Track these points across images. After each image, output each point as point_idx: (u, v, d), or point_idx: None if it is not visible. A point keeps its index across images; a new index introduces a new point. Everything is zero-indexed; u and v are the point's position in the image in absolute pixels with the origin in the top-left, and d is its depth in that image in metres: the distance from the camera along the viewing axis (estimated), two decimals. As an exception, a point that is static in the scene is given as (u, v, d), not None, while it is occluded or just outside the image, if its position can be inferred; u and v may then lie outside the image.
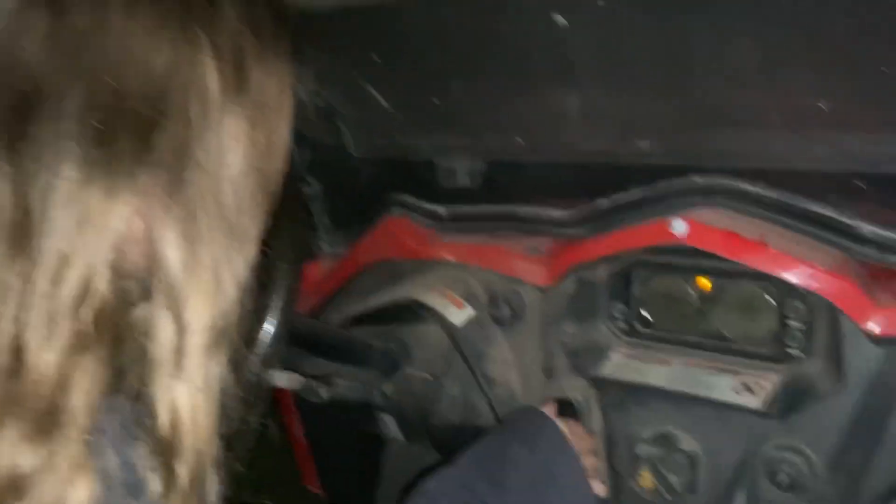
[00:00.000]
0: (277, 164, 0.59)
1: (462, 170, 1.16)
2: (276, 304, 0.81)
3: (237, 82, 0.54)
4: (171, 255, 0.51)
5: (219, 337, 0.53)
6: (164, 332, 0.51)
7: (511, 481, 0.84)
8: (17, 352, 0.47)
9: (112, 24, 0.50)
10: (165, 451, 0.51)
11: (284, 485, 1.71)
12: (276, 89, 0.58)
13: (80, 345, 0.48)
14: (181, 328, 0.51)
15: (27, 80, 0.49)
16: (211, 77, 0.52)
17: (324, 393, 1.03)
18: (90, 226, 0.48)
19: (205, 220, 0.52)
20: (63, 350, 0.47)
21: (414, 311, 1.14)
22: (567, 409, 0.99)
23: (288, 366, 1.02)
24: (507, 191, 1.15)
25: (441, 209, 1.21)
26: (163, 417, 0.51)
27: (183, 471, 0.51)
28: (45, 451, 0.46)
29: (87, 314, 0.48)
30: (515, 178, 1.14)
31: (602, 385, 0.98)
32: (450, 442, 1.18)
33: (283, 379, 0.98)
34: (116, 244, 0.49)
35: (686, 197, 0.97)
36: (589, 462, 0.93)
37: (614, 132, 0.99)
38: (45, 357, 0.47)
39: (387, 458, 1.43)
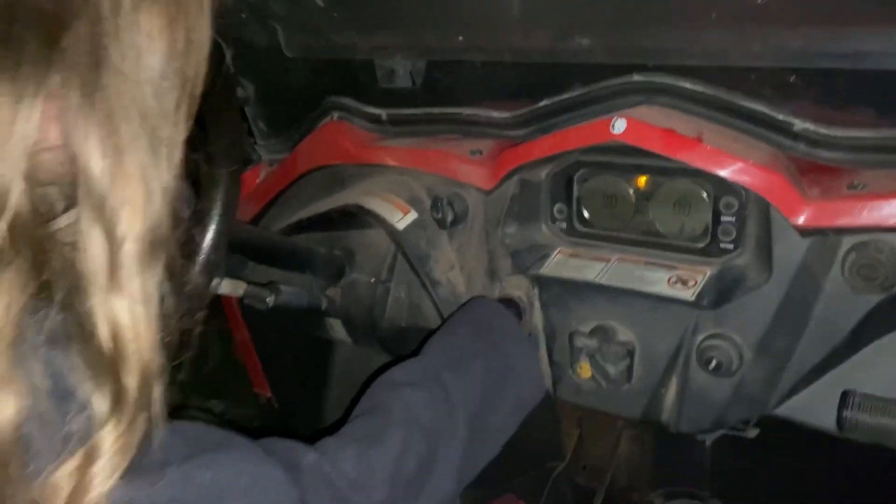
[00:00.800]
0: (199, 64, 0.57)
1: (402, 70, 1.13)
2: (215, 210, 0.80)
3: None
4: (94, 163, 0.48)
5: (153, 247, 0.52)
6: (93, 244, 0.49)
7: (473, 370, 0.87)
8: None
9: None
10: (109, 364, 0.50)
11: (234, 390, 1.73)
12: None
13: None
14: (112, 239, 0.49)
15: None
16: None
17: (269, 300, 1.03)
18: None
19: (126, 125, 0.49)
20: None
21: (357, 217, 1.14)
22: (509, 307, 1.01)
23: (231, 274, 1.01)
24: (448, 92, 1.13)
25: (382, 112, 1.20)
26: (102, 331, 0.50)
27: (130, 383, 0.51)
28: None
29: (1, 227, 0.45)
30: (456, 78, 1.12)
31: (543, 283, 1.00)
32: (397, 342, 1.21)
33: (226, 287, 0.98)
34: (30, 153, 0.46)
35: (626, 96, 0.98)
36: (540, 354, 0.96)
37: (555, 29, 0.98)
38: None
39: (335, 360, 1.46)
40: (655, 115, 0.94)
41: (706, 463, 1.27)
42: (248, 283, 1.01)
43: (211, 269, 0.79)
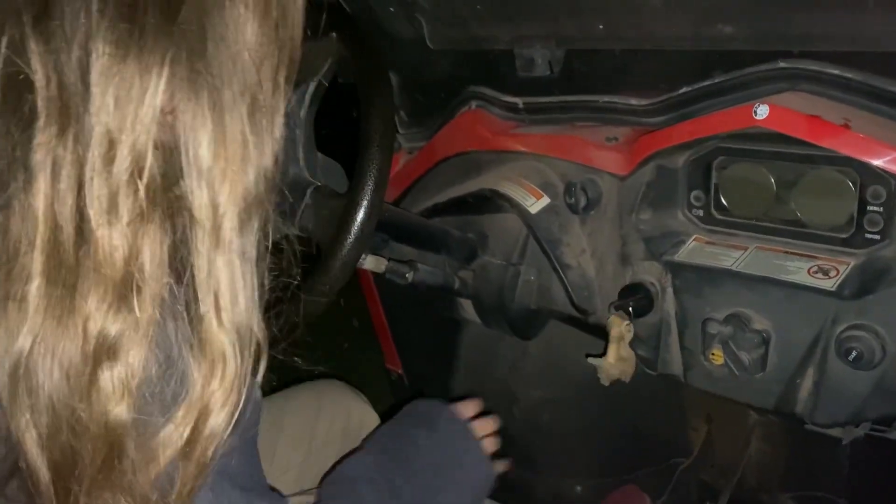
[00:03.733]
0: (295, 30, 0.59)
1: (541, 59, 1.16)
2: (368, 188, 0.85)
3: None
4: (199, 131, 0.51)
5: (250, 209, 0.54)
6: (198, 207, 0.52)
7: (417, 463, 0.90)
8: (82, 225, 0.48)
9: None
10: (206, 327, 0.53)
11: (367, 364, 1.82)
12: None
13: (141, 217, 0.49)
14: (214, 204, 0.52)
15: None
16: None
17: (408, 275, 1.09)
18: (131, 102, 0.49)
19: (229, 93, 0.52)
20: (127, 222, 0.49)
21: (491, 201, 1.18)
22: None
23: (374, 251, 1.08)
24: (585, 80, 1.15)
25: (518, 101, 1.23)
26: (204, 293, 0.52)
27: (227, 346, 0.53)
28: (127, 317, 0.49)
29: (141, 188, 0.49)
30: (594, 66, 1.14)
31: (677, 269, 1.00)
32: (526, 325, 1.24)
33: (371, 262, 1.04)
34: (156, 119, 0.50)
35: (769, 83, 0.96)
36: (487, 443, 0.98)
37: (697, 17, 0.98)
38: (111, 230, 0.49)
39: (464, 341, 1.51)
40: (799, 102, 0.92)
41: (844, 466, 1.23)
42: (389, 259, 1.07)
43: (362, 244, 0.85)
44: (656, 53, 1.05)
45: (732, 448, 1.49)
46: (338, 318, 1.31)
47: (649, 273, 1.04)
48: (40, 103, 0.49)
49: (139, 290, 0.50)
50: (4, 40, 0.49)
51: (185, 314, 0.53)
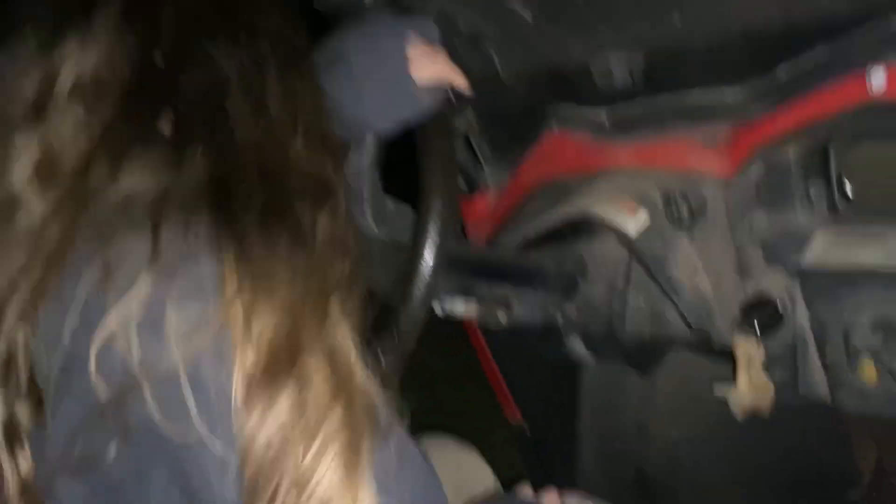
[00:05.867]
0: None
1: (619, 67, 1.07)
2: (428, 236, 0.79)
3: None
4: None
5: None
6: None
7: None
8: None
9: None
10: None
11: (487, 417, 1.73)
12: None
13: None
14: None
15: None
16: None
17: (502, 317, 1.01)
18: None
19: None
20: None
21: (586, 226, 1.09)
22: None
23: (464, 296, 1.01)
24: (670, 81, 1.05)
25: (601, 113, 1.14)
26: None
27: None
28: None
29: None
30: (677, 65, 1.03)
31: (806, 275, 0.88)
32: (643, 356, 1.13)
33: (458, 306, 0.98)
34: None
35: (880, 48, 0.83)
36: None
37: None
38: None
39: (583, 383, 1.40)
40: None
41: None
42: (480, 302, 1.01)
43: (427, 295, 0.79)
44: (744, 36, 0.93)
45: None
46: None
47: (774, 283, 0.92)
48: None
49: None
50: None
51: None
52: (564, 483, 1.48)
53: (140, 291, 0.50)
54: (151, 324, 0.50)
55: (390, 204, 1.00)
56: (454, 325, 1.21)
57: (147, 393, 0.49)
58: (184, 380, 0.49)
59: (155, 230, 0.52)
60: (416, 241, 0.78)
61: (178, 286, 0.51)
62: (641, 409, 1.39)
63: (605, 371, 1.25)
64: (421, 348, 0.82)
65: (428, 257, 0.77)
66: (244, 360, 0.50)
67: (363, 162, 0.91)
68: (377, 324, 0.68)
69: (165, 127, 0.58)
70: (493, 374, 1.54)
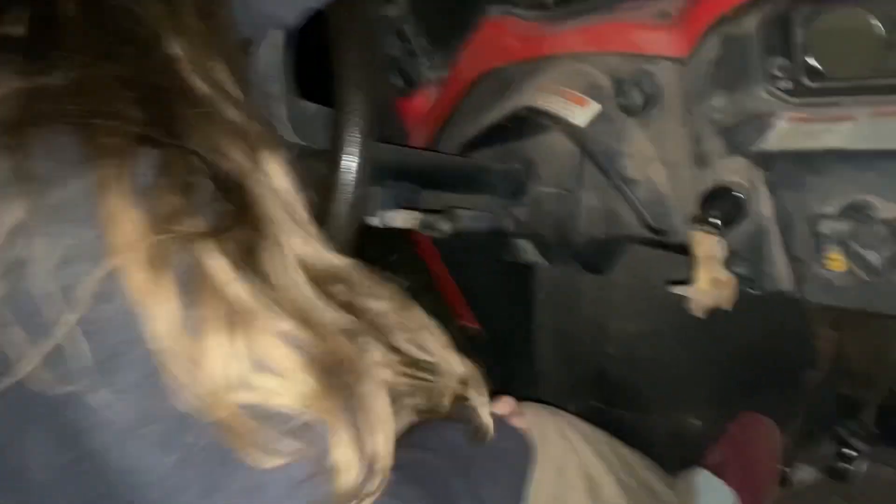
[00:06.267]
0: None
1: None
2: (348, 141, 0.70)
3: None
4: None
5: None
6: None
7: None
8: None
9: None
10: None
11: (442, 325, 1.69)
12: None
13: None
14: None
15: None
16: None
17: (445, 226, 0.93)
18: None
19: None
20: None
21: (531, 121, 1.00)
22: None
23: (404, 204, 0.93)
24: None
25: (544, -6, 1.03)
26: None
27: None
28: None
29: None
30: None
31: (769, 160, 0.81)
32: (597, 258, 1.07)
33: (398, 219, 0.90)
34: None
35: None
36: None
37: None
38: None
39: (537, 286, 1.35)
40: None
41: None
42: (422, 211, 0.92)
43: (354, 207, 0.70)
44: None
45: (870, 353, 1.28)
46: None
47: (735, 172, 0.85)
48: None
49: None
50: None
51: None
52: (524, 386, 1.47)
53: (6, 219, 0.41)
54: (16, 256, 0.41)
55: (310, 107, 0.90)
56: (399, 233, 1.14)
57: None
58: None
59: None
60: (335, 146, 0.69)
61: (48, 210, 0.42)
62: (599, 307, 1.35)
63: (561, 271, 1.20)
64: (364, 261, 0.75)
65: (349, 164, 0.68)
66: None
67: (271, 61, 0.79)
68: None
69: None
70: (445, 281, 1.48)
